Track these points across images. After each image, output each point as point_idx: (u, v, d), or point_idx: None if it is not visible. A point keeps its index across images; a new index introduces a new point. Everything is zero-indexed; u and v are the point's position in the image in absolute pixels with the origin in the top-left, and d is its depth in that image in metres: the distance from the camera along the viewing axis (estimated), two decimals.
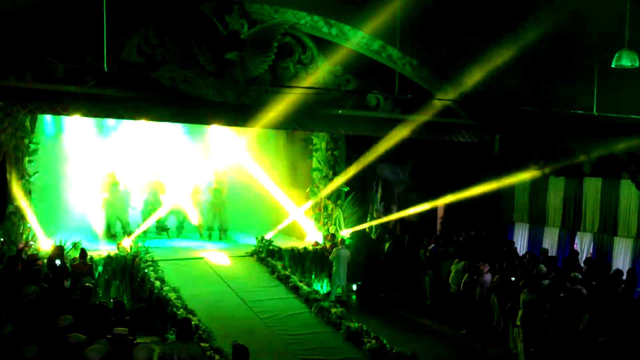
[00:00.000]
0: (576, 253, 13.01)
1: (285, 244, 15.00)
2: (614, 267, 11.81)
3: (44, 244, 12.32)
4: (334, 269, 13.66)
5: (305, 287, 12.45)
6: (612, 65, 9.34)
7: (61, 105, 11.62)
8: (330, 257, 13.80)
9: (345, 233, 15.21)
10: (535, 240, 14.51)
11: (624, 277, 11.03)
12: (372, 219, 15.72)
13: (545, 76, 11.98)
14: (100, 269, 12.28)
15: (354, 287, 14.66)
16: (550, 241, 14.03)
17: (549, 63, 11.48)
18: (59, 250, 11.37)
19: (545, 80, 12.13)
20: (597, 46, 9.99)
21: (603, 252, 12.67)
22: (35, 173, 12.76)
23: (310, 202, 15.90)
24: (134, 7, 11.63)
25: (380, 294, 14.25)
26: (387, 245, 14.73)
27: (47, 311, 7.83)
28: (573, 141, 13.53)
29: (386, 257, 14.46)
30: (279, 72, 13.12)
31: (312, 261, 14.59)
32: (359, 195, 15.79)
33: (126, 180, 15.61)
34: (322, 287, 14.24)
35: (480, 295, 11.51)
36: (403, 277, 14.20)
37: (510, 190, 15.28)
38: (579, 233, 13.42)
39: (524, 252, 14.20)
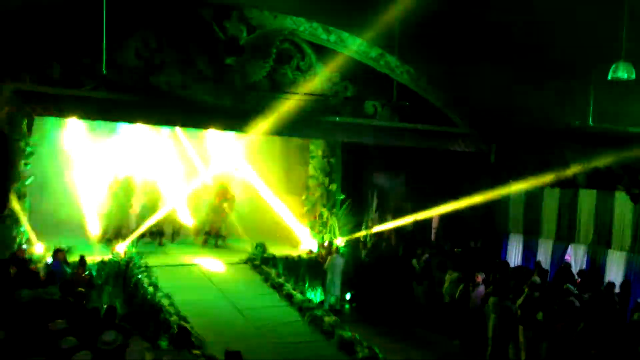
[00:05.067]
0: (568, 265, 13.03)
1: (279, 251, 14.96)
2: (607, 280, 11.83)
3: (37, 248, 12.27)
4: (328, 277, 13.61)
5: (298, 295, 12.42)
6: (609, 78, 9.40)
7: (58, 107, 11.61)
8: (324, 265, 13.76)
9: (340, 241, 15.19)
10: (529, 252, 14.50)
11: (617, 289, 11.07)
12: (367, 227, 15.72)
13: (542, 86, 12.02)
14: (94, 273, 12.20)
15: (348, 296, 14.62)
16: (544, 253, 14.02)
17: (547, 74, 11.52)
18: (57, 254, 11.26)
19: (543, 90, 12.18)
20: (595, 58, 10.03)
21: (597, 265, 12.68)
22: (30, 177, 12.67)
23: (306, 210, 15.89)
24: (133, 11, 11.66)
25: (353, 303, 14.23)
26: (363, 253, 14.76)
27: (41, 315, 7.77)
28: (568, 152, 13.58)
29: (363, 267, 14.51)
30: (277, 78, 13.15)
31: (306, 269, 14.51)
32: (355, 204, 15.79)
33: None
34: (315, 295, 14.19)
35: (474, 305, 11.49)
36: (394, 286, 14.18)
37: (505, 201, 15.29)
38: (572, 245, 13.42)
39: (518, 263, 14.22)
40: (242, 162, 16.72)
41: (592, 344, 8.92)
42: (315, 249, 15.15)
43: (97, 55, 10.86)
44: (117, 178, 15.29)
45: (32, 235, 12.37)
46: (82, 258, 11.25)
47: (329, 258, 13.70)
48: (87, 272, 11.06)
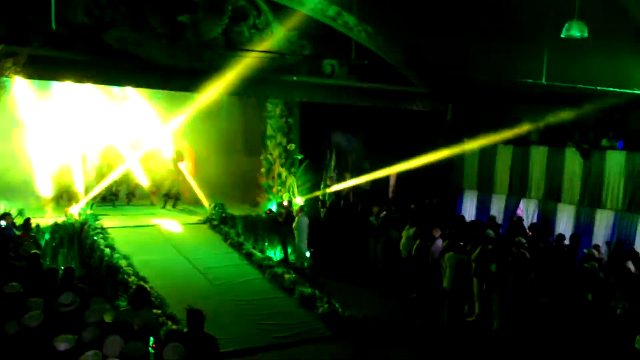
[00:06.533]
0: (521, 219, 13.44)
1: (238, 211, 14.95)
2: (557, 232, 12.28)
3: None
4: (296, 237, 13.63)
5: (258, 254, 12.50)
6: (562, 36, 9.55)
7: (4, 66, 11.11)
8: (293, 225, 13.74)
9: (299, 200, 15.25)
10: (483, 207, 14.89)
11: (566, 241, 11.52)
12: (326, 186, 15.82)
13: (497, 45, 12.15)
14: (47, 236, 11.97)
15: (308, 253, 14.75)
16: (497, 208, 14.42)
17: (502, 32, 11.63)
18: (5, 217, 11.00)
19: (498, 49, 12.31)
20: (549, 16, 10.16)
21: (547, 218, 13.13)
22: None
23: (264, 170, 15.84)
24: None
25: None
26: (322, 212, 14.88)
27: None
28: (522, 110, 13.87)
29: (322, 225, 14.66)
30: (233, 37, 12.86)
31: (266, 228, 14.59)
32: (313, 163, 15.83)
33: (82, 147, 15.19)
34: (275, 253, 14.30)
35: (432, 260, 11.78)
36: (353, 243, 14.40)
37: (460, 159, 15.58)
38: (524, 200, 13.84)
39: (473, 218, 14.59)
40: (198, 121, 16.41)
41: (542, 293, 9.32)
42: (274, 208, 15.19)
43: (45, 12, 10.42)
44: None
45: None
46: (26, 221, 11.04)
47: (296, 218, 13.71)
48: (32, 235, 10.88)
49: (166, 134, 16.15)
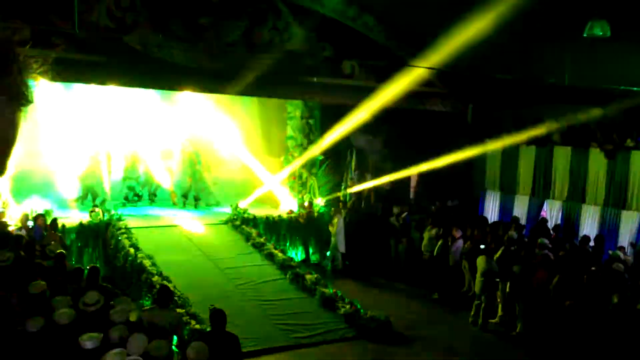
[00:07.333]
0: (545, 220, 13.31)
1: (259, 212, 15.00)
2: (581, 234, 12.13)
3: (14, 212, 12.12)
4: (333, 238, 13.56)
5: (280, 254, 12.53)
6: (584, 35, 9.45)
7: (31, 67, 11.28)
8: (330, 228, 13.71)
9: (320, 201, 15.26)
10: (506, 209, 14.76)
11: (591, 243, 11.37)
12: (347, 187, 15.80)
13: (519, 45, 12.05)
14: (72, 236, 12.14)
15: (329, 254, 14.73)
16: (520, 209, 14.29)
17: (524, 32, 11.53)
18: (38, 219, 11.16)
19: (520, 49, 12.21)
20: (572, 15, 10.06)
21: (571, 220, 12.98)
22: None
23: (285, 171, 15.88)
24: None
25: (346, 261, 14.39)
26: (343, 213, 14.83)
27: (22, 278, 7.73)
28: (544, 110, 13.73)
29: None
30: (253, 39, 12.95)
31: (287, 229, 14.61)
32: (334, 164, 15.83)
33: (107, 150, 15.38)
34: (296, 254, 14.32)
35: (453, 261, 11.71)
36: (374, 244, 14.33)
37: (482, 159, 15.46)
38: (548, 201, 13.69)
39: (495, 219, 14.48)
40: (220, 123, 16.51)
41: (566, 295, 9.21)
42: (295, 209, 15.21)
43: (68, 15, 10.59)
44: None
45: (10, 199, 12.22)
46: (53, 221, 11.21)
47: (335, 220, 13.62)
48: (59, 235, 11.04)
49: (185, 135, 16.27)
